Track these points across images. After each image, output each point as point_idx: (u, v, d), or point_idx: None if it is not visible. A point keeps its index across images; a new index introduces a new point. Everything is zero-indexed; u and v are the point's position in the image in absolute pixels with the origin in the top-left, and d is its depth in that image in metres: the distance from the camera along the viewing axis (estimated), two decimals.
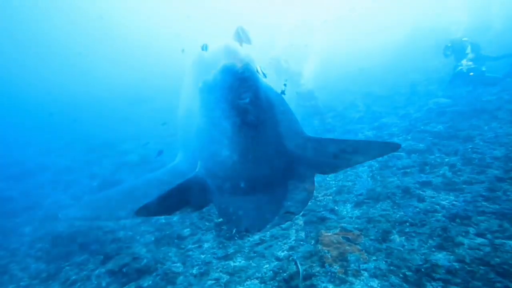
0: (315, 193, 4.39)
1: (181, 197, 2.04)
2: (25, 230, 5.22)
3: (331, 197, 4.19)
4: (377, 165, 5.11)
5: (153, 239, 4.33)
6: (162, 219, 4.82)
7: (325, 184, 4.64)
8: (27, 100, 23.17)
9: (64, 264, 3.90)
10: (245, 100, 1.83)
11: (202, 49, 1.88)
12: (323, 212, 3.74)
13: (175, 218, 4.92)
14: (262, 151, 1.91)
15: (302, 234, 3.40)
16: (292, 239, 3.34)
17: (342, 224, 3.60)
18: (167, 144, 8.76)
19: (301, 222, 3.57)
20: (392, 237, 3.46)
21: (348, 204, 3.92)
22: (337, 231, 3.54)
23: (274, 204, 2.05)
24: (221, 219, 4.41)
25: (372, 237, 3.40)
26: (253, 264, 2.99)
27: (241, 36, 1.85)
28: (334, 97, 11.54)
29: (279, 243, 3.09)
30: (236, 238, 3.68)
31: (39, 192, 7.09)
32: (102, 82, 27.24)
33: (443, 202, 3.89)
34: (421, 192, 4.13)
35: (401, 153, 5.39)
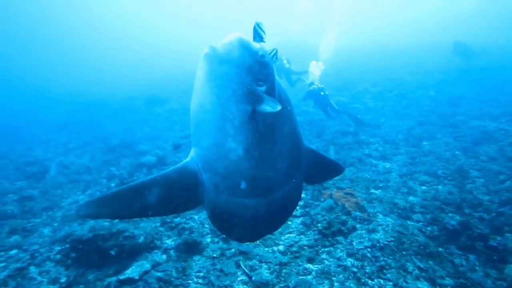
0: None
1: (160, 194, 1.63)
2: (44, 231, 5.17)
3: None
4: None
5: (173, 245, 4.17)
6: (186, 223, 4.65)
7: None
8: (48, 99, 23.80)
9: (83, 270, 3.77)
10: (262, 87, 1.56)
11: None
12: None
13: (194, 223, 4.74)
14: (267, 149, 1.64)
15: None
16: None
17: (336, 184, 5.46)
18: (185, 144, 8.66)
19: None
20: (371, 190, 5.34)
21: None
22: (335, 189, 5.26)
23: (270, 214, 1.80)
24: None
25: (362, 192, 5.24)
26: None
27: (260, 34, 1.59)
28: None
29: None
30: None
31: (58, 192, 7.09)
32: (120, 84, 27.69)
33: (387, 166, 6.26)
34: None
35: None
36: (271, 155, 1.69)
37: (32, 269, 4.05)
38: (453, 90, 11.03)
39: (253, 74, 1.59)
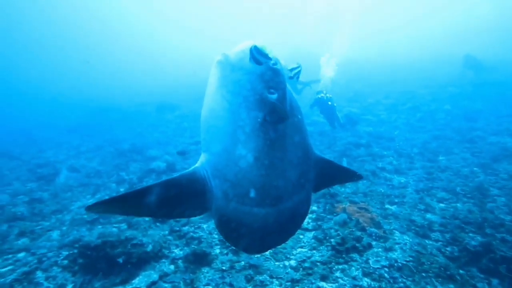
0: None
1: (168, 198, 1.63)
2: (52, 235, 5.14)
3: None
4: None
5: (182, 254, 4.07)
6: (194, 233, 4.55)
7: None
8: (61, 103, 24.36)
9: (90, 277, 3.70)
10: (273, 95, 1.55)
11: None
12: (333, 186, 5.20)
13: (203, 233, 4.63)
14: (278, 158, 1.62)
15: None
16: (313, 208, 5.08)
17: (350, 198, 5.31)
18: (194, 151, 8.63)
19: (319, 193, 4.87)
20: (386, 206, 5.14)
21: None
22: (348, 203, 5.10)
23: (279, 225, 1.75)
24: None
25: (377, 207, 5.04)
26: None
27: (257, 57, 1.53)
28: None
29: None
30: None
31: (67, 195, 7.10)
32: (132, 90, 28.18)
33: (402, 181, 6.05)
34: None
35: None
36: (282, 164, 1.65)
37: (39, 273, 4.00)
38: (469, 104, 10.77)
39: (265, 81, 1.58)
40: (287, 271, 3.61)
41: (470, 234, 4.23)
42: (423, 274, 3.46)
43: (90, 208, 1.47)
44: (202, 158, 1.76)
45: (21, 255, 4.55)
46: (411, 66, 23.35)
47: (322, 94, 8.49)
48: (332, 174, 2.07)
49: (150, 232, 4.53)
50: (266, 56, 1.58)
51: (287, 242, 2.08)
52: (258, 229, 1.70)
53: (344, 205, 4.93)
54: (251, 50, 1.58)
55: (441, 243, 4.12)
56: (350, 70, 17.05)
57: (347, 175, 2.22)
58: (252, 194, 1.62)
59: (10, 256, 4.55)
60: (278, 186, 1.66)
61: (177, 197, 1.66)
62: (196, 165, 1.75)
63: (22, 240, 5.03)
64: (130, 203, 1.58)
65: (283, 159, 1.65)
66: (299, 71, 1.84)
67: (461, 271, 3.58)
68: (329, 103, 8.42)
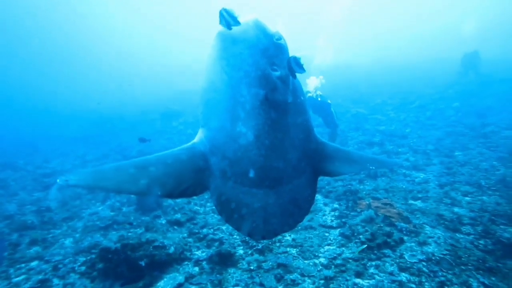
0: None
1: (169, 173, 1.51)
2: (65, 242, 4.95)
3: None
4: None
5: (204, 256, 3.89)
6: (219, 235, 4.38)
7: None
8: (69, 113, 24.34)
9: (110, 282, 3.51)
10: (276, 72, 1.48)
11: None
12: (352, 183, 5.77)
13: (223, 234, 4.46)
14: (279, 139, 1.55)
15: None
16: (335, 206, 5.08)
17: (371, 195, 5.20)
18: None
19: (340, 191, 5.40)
20: (410, 201, 4.98)
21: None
22: (371, 199, 4.95)
23: (281, 208, 1.68)
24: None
25: (401, 202, 4.89)
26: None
27: (228, 19, 1.42)
28: None
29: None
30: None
31: (77, 203, 6.92)
32: (135, 99, 28.21)
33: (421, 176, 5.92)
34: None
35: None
36: (282, 145, 1.58)
37: (56, 281, 3.81)
38: (478, 102, 10.71)
39: (268, 57, 1.51)
40: (318, 268, 3.44)
41: (502, 226, 4.07)
42: (463, 267, 3.29)
43: (71, 182, 1.31)
44: (201, 133, 1.67)
45: (34, 263, 4.37)
46: (413, 67, 23.49)
47: (310, 94, 8.04)
48: (340, 161, 1.92)
49: (169, 235, 4.36)
50: (235, 19, 1.49)
51: (296, 228, 1.93)
52: (260, 210, 1.63)
53: (367, 202, 4.78)
54: (220, 11, 1.49)
55: (473, 236, 3.96)
56: (353, 72, 17.11)
57: (361, 164, 2.01)
58: (251, 174, 1.57)
59: (23, 265, 4.36)
60: (278, 167, 1.60)
61: (179, 172, 1.56)
62: (194, 140, 1.67)
63: (34, 249, 4.84)
64: (125, 174, 1.45)
65: (283, 140, 1.58)
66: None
67: (499, 264, 3.41)
68: (319, 99, 7.76)
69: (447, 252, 3.52)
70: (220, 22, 1.50)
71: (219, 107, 1.56)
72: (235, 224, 1.66)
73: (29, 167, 10.66)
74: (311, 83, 8.41)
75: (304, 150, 1.70)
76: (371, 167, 2.07)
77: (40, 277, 3.92)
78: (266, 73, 1.47)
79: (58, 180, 1.34)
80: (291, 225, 1.75)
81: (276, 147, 1.56)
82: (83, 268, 3.93)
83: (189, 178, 1.58)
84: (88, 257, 4.11)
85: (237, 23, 1.50)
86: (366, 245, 3.62)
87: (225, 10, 1.47)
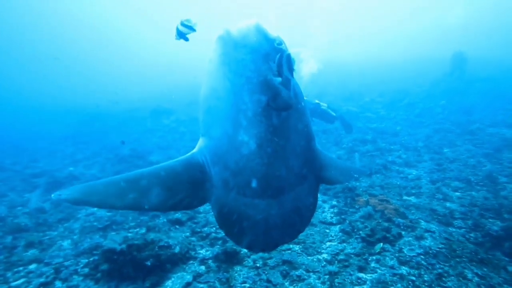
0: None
1: (161, 187, 1.44)
2: (63, 244, 4.87)
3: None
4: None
5: (209, 255, 3.94)
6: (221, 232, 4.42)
7: None
8: (55, 110, 23.57)
9: (116, 283, 3.51)
10: (278, 78, 1.44)
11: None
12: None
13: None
14: (281, 146, 1.51)
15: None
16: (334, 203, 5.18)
17: (368, 191, 5.33)
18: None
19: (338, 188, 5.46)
20: (404, 197, 5.20)
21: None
22: (368, 196, 5.10)
23: (283, 218, 1.64)
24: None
25: (396, 198, 5.08)
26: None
27: (182, 32, 1.47)
28: None
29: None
30: None
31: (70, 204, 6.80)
32: (122, 96, 27.58)
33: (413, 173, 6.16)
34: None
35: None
36: (284, 152, 1.55)
37: (58, 284, 3.77)
38: (463, 99, 11.15)
39: (270, 62, 1.48)
40: (322, 264, 3.56)
41: (490, 220, 4.31)
42: (457, 259, 3.49)
43: (63, 197, 1.27)
44: (201, 142, 1.62)
45: (32, 266, 4.29)
46: (401, 66, 24.07)
47: (305, 97, 8.14)
48: (333, 170, 1.92)
49: (172, 234, 4.38)
50: (191, 28, 1.51)
51: (298, 237, 1.92)
52: (261, 222, 1.58)
53: (364, 198, 4.94)
54: (177, 26, 1.49)
55: (464, 229, 4.18)
56: (343, 70, 17.40)
57: (348, 173, 2.07)
58: (254, 184, 1.53)
59: (21, 268, 4.27)
60: (281, 176, 1.56)
61: (172, 185, 1.48)
62: (194, 150, 1.61)
63: (31, 251, 4.74)
64: (115, 188, 1.38)
65: (285, 148, 1.55)
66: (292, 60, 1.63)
67: (489, 256, 3.63)
68: (316, 101, 7.96)
69: (443, 245, 3.71)
70: (176, 38, 1.50)
71: (221, 115, 1.52)
72: (235, 237, 1.63)
73: (17, 167, 10.32)
74: (306, 69, 8.41)
75: (305, 157, 1.68)
76: (355, 175, 2.10)
77: (41, 280, 3.86)
78: (268, 79, 1.44)
79: (52, 196, 1.30)
80: (292, 235, 1.72)
81: (278, 154, 1.52)
82: (86, 269, 3.90)
83: (183, 190, 1.51)
84: (91, 259, 4.08)
85: (193, 30, 1.51)
86: (381, 243, 3.76)
87: (181, 23, 1.48)
